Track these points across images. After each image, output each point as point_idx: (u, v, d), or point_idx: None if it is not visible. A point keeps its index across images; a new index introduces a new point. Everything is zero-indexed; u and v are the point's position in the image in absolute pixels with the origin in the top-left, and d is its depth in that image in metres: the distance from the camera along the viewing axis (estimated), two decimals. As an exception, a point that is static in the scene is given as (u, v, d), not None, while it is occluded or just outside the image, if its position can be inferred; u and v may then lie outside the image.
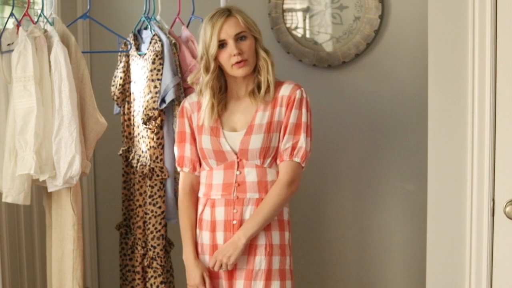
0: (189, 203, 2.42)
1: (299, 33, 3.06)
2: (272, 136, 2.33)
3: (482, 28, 2.23)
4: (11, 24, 2.49)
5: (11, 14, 2.44)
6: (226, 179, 2.34)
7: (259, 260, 2.32)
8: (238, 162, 2.33)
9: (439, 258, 2.41)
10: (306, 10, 3.04)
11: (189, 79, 2.43)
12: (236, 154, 2.33)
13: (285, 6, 3.05)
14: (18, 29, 2.39)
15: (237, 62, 2.28)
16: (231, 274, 2.35)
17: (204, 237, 2.37)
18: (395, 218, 3.03)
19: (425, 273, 2.46)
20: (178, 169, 2.45)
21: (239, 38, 2.29)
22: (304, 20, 3.05)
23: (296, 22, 3.06)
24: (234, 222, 2.33)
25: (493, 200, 2.26)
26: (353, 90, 3.03)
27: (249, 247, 2.32)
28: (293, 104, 2.33)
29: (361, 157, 3.06)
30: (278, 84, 2.36)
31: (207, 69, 2.32)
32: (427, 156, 2.40)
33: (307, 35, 3.05)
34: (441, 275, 2.41)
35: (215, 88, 2.34)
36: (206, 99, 2.34)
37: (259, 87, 2.35)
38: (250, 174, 2.33)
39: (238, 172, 2.33)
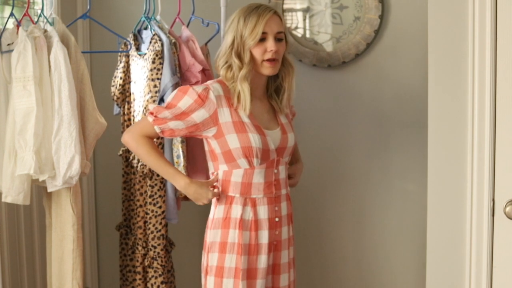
0: (148, 139, 2.30)
1: (299, 33, 3.05)
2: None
3: (482, 28, 2.23)
4: (11, 24, 2.48)
5: (11, 14, 2.44)
6: (267, 177, 2.32)
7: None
8: (277, 160, 2.34)
9: (439, 258, 2.41)
10: (306, 10, 3.03)
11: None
12: (276, 152, 2.34)
13: (285, 6, 3.05)
14: (18, 29, 2.39)
15: (270, 60, 2.27)
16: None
17: (245, 237, 2.29)
18: (395, 218, 3.02)
19: (425, 273, 2.46)
20: (150, 118, 2.25)
21: (277, 38, 2.28)
22: (304, 20, 3.05)
23: (296, 22, 3.06)
24: (277, 219, 2.34)
25: (493, 200, 2.26)
26: (353, 90, 3.03)
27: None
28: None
29: (361, 157, 3.06)
30: None
31: (240, 58, 2.26)
32: (427, 156, 2.40)
33: (307, 35, 3.04)
34: (441, 275, 2.41)
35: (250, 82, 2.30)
36: (245, 93, 2.26)
37: (276, 92, 2.40)
38: (282, 172, 2.37)
39: (275, 171, 2.34)
